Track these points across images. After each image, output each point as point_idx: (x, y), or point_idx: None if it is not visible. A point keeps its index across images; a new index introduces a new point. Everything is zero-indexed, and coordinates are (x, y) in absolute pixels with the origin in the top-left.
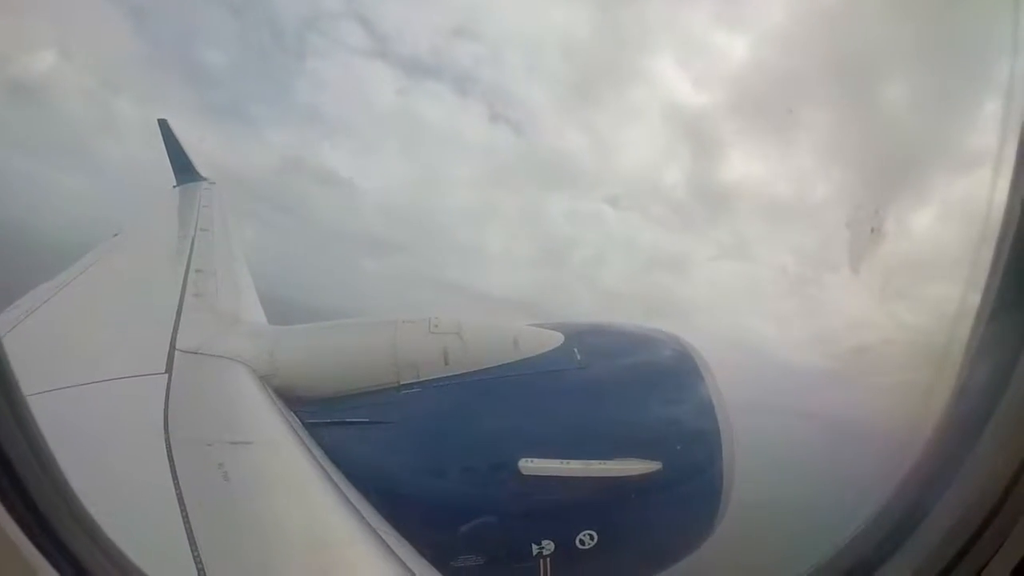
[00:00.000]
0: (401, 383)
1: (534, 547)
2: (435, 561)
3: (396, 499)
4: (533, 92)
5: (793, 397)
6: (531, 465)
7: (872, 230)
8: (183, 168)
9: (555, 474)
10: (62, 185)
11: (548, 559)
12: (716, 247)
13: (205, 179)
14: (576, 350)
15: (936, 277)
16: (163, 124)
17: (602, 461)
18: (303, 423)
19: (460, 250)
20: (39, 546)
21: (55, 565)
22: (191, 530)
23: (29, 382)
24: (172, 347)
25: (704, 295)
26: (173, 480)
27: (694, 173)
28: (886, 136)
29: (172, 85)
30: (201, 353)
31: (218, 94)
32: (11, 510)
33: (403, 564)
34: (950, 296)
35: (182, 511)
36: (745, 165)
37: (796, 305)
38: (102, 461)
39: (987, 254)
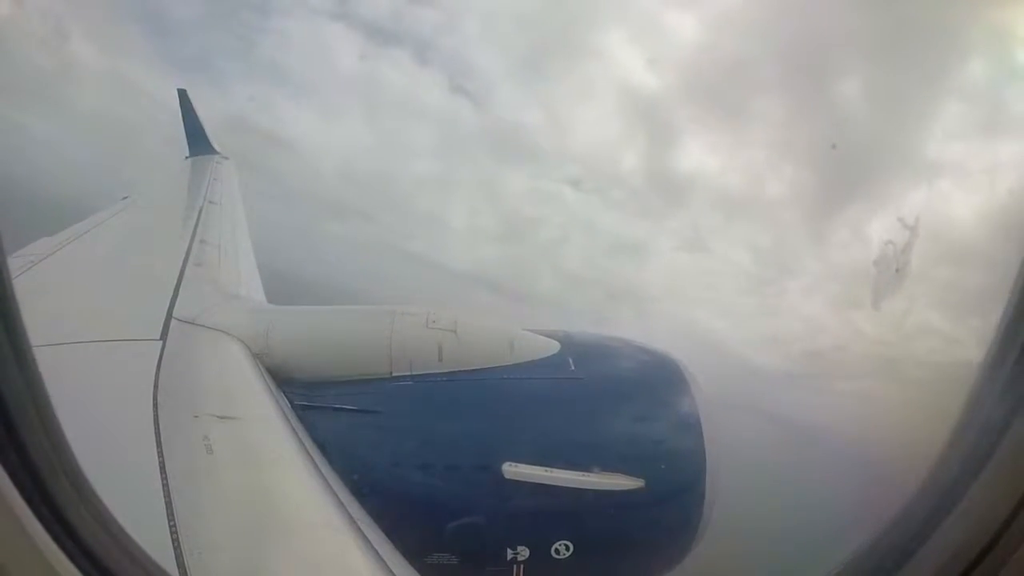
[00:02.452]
0: (393, 374)
1: (509, 552)
2: (408, 555)
3: (376, 489)
4: (491, 64)
5: (754, 395)
6: (514, 470)
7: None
8: (197, 140)
9: (538, 481)
10: (32, 131)
11: (522, 565)
12: (677, 237)
13: (218, 152)
14: (571, 360)
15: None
16: (182, 94)
17: (586, 473)
18: (292, 404)
19: (423, 220)
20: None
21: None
22: (170, 499)
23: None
24: (169, 315)
25: (664, 284)
26: (157, 448)
27: (654, 151)
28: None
29: (133, 36)
30: (197, 324)
31: (178, 46)
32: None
33: (376, 552)
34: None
35: (163, 479)
36: (709, 144)
37: (755, 301)
38: (88, 421)
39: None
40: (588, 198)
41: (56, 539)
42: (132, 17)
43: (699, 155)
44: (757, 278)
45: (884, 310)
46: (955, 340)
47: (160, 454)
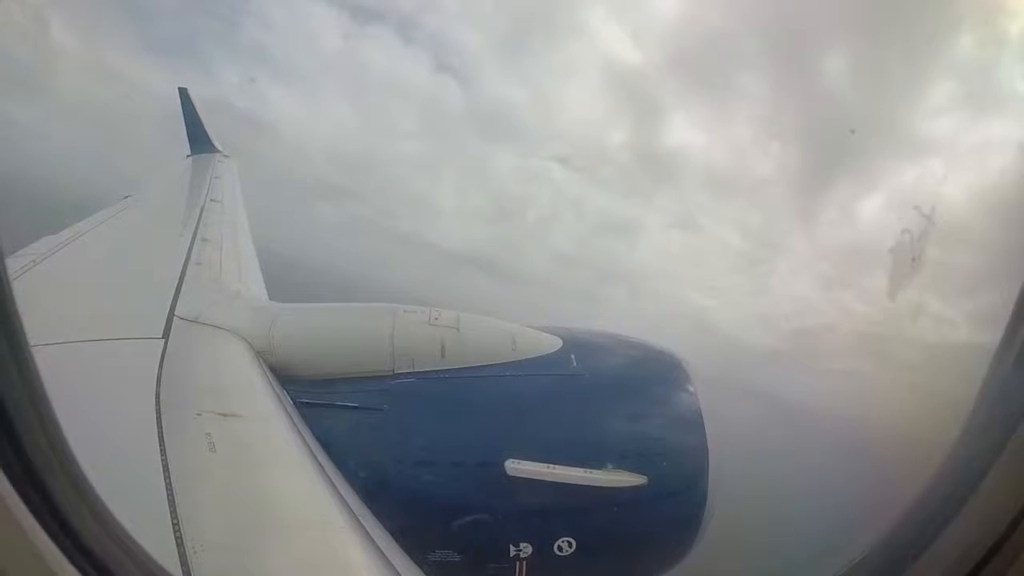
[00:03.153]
0: (396, 371)
1: (512, 548)
2: (411, 551)
3: (379, 486)
4: (475, 41)
5: (740, 372)
6: (517, 466)
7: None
8: (199, 139)
9: (540, 478)
10: (17, 119)
11: (524, 562)
12: (666, 214)
13: (219, 151)
14: (573, 357)
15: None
16: (183, 93)
17: (588, 470)
18: (294, 402)
19: (412, 201)
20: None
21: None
22: (173, 496)
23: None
24: (171, 313)
25: (655, 264)
26: (160, 445)
27: (641, 126)
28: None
29: (115, 21)
30: (200, 322)
31: (161, 30)
32: (7, 468)
33: (379, 550)
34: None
35: (166, 477)
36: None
37: (745, 279)
38: (91, 419)
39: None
40: (576, 176)
41: (54, 538)
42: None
43: (686, 131)
44: (747, 256)
45: (873, 291)
46: (945, 321)
47: (163, 452)
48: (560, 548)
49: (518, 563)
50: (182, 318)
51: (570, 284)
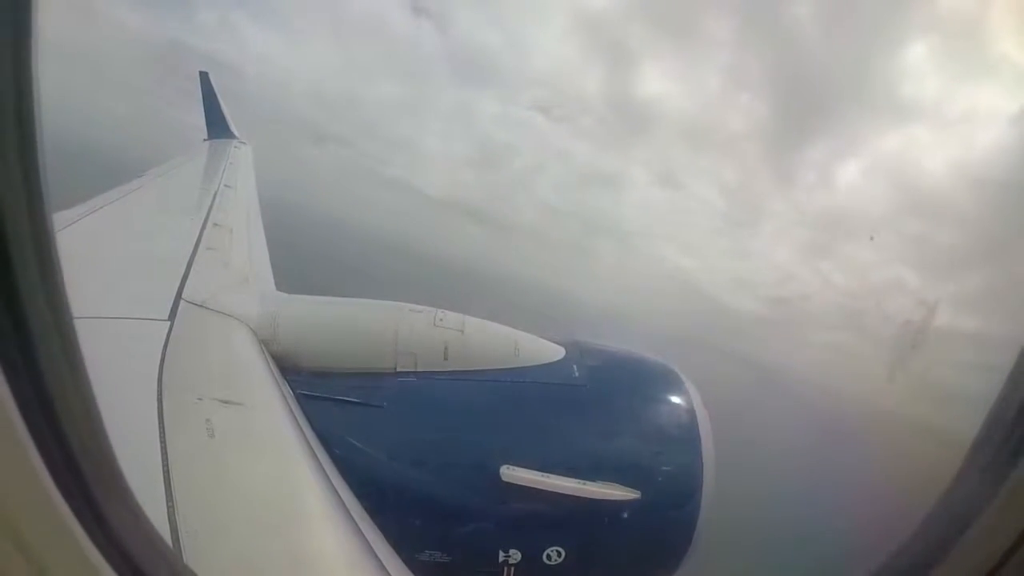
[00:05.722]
0: (398, 370)
1: (501, 554)
2: (400, 550)
3: (373, 482)
4: None
5: (723, 335)
6: (512, 473)
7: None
8: (217, 123)
9: (534, 486)
10: None
11: (513, 568)
12: (649, 167)
13: (236, 137)
14: (575, 366)
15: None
16: (204, 77)
17: (582, 481)
18: (295, 393)
19: (398, 146)
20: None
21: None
22: (170, 481)
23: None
24: (178, 296)
25: (640, 218)
26: (159, 428)
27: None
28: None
29: None
30: (206, 307)
31: None
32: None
33: (368, 545)
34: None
35: (163, 461)
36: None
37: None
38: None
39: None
40: (559, 127)
41: (88, 532)
42: None
43: (663, 78)
44: (727, 214)
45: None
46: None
47: (162, 434)
48: (549, 557)
49: (506, 569)
50: (188, 302)
51: (557, 234)
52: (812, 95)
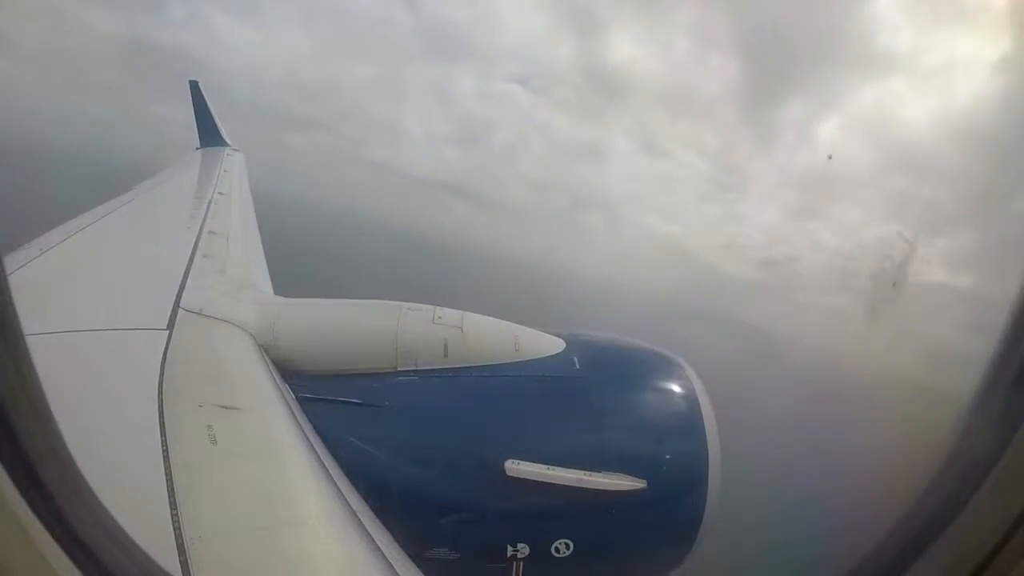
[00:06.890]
0: (398, 369)
1: (509, 549)
2: (408, 549)
3: (378, 482)
4: None
5: (715, 302)
6: (517, 467)
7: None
8: (209, 131)
9: (540, 479)
10: None
11: (521, 562)
12: (631, 137)
13: (229, 145)
14: (576, 359)
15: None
16: (194, 86)
17: (588, 472)
18: (296, 396)
19: (379, 127)
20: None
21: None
22: (173, 488)
23: (30, 323)
24: (176, 305)
25: (626, 189)
26: (161, 436)
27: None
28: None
29: None
30: (204, 314)
31: None
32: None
33: (375, 545)
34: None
35: (166, 468)
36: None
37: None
38: (93, 408)
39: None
40: (537, 99)
41: (49, 529)
42: None
43: (633, 44)
44: (712, 178)
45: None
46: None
47: (164, 442)
48: (557, 549)
49: (515, 563)
50: (187, 310)
51: (545, 209)
52: (787, 51)
